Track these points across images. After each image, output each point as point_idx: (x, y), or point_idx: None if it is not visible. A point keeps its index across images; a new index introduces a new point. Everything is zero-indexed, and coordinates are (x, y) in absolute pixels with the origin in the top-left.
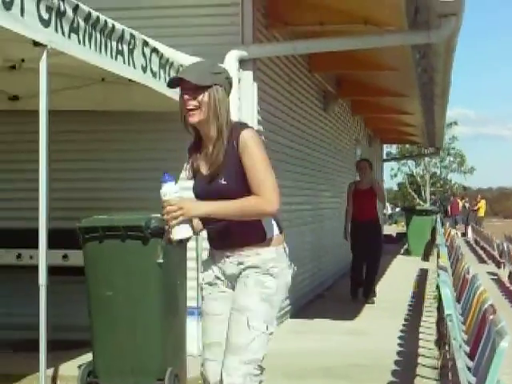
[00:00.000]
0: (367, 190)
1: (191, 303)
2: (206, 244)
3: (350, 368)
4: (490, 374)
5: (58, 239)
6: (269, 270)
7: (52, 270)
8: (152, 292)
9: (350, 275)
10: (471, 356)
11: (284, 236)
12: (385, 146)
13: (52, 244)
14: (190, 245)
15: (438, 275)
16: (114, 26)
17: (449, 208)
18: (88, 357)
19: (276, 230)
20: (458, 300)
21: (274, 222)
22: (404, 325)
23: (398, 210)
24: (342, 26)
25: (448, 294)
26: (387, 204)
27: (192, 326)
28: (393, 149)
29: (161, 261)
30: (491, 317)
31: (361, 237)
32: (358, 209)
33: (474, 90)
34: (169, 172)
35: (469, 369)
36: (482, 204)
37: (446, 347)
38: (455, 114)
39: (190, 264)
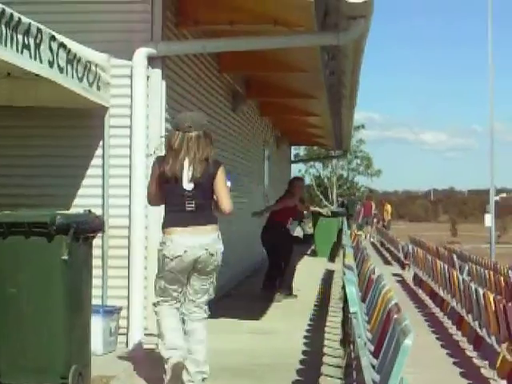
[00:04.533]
0: (295, 207)
1: (96, 301)
2: (112, 242)
3: (256, 367)
4: (394, 372)
5: None
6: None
7: None
8: (57, 289)
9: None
10: (375, 355)
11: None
12: (293, 147)
13: None
14: (96, 242)
15: (344, 274)
16: (20, 20)
17: (362, 210)
18: None
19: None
20: (364, 300)
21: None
22: (310, 324)
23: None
24: (251, 26)
25: (353, 291)
26: None
27: (96, 324)
28: (301, 150)
29: (66, 257)
30: (395, 316)
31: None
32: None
33: (379, 94)
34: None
35: (373, 367)
36: (388, 208)
37: (351, 346)
38: (362, 117)
39: (96, 262)
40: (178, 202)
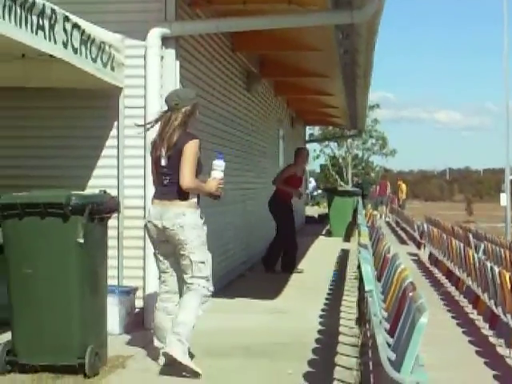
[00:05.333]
0: (301, 178)
1: (112, 282)
2: (127, 223)
3: (270, 346)
4: (410, 350)
5: None
6: None
7: None
8: (72, 270)
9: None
10: (391, 333)
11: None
12: (307, 127)
13: None
14: (111, 223)
15: (359, 252)
16: (34, 1)
17: (377, 188)
18: (7, 336)
19: None
20: (379, 279)
21: None
22: (325, 304)
23: (319, 191)
24: (265, 5)
25: (368, 270)
26: (312, 182)
27: (112, 304)
28: (315, 130)
29: (81, 238)
30: (411, 294)
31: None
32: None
33: (394, 74)
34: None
35: (389, 345)
36: (403, 187)
37: (367, 325)
38: (376, 97)
39: (111, 242)
40: (159, 177)
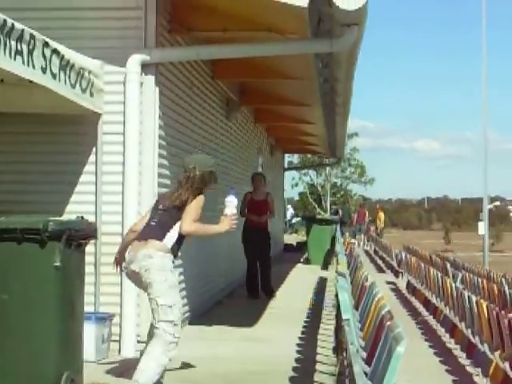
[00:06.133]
0: (261, 201)
1: (89, 308)
2: (104, 249)
3: (248, 374)
4: (387, 379)
5: None
6: None
7: None
8: (49, 296)
9: (246, 276)
10: (368, 362)
11: None
12: (286, 155)
13: None
14: (89, 249)
15: (337, 281)
16: (13, 25)
17: (355, 216)
18: None
19: None
20: (357, 307)
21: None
22: (303, 332)
23: (298, 219)
24: (245, 33)
25: (346, 298)
26: (290, 209)
27: (89, 330)
28: (294, 158)
29: (58, 264)
30: (388, 323)
31: (254, 242)
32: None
33: (373, 103)
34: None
35: (366, 374)
36: (381, 215)
37: (344, 353)
38: (355, 125)
39: (88, 269)
40: (149, 220)
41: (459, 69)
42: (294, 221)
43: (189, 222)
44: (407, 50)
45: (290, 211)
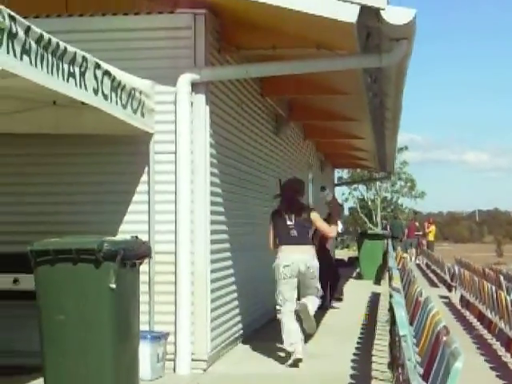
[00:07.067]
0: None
1: (144, 327)
2: (158, 268)
3: None
4: None
5: (6, 263)
6: None
7: (2, 295)
8: (105, 316)
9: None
10: (425, 378)
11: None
12: (336, 170)
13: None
14: (143, 268)
15: (391, 296)
16: (66, 48)
17: (406, 231)
18: (40, 382)
19: None
20: (411, 323)
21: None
22: (357, 348)
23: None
24: (294, 50)
25: (402, 314)
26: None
27: (144, 349)
28: (344, 173)
29: (113, 284)
30: (445, 338)
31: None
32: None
33: (421, 116)
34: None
35: None
36: (432, 229)
37: (400, 369)
38: (404, 138)
39: (143, 288)
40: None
41: (506, 77)
42: (344, 236)
43: (326, 229)
44: (454, 59)
45: (340, 226)
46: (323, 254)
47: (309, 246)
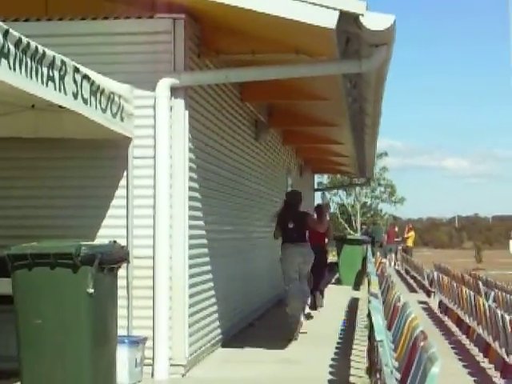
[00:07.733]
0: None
1: (122, 332)
2: (136, 272)
3: None
4: None
5: None
6: None
7: None
8: (82, 320)
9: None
10: (402, 383)
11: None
12: (316, 175)
13: None
14: (121, 273)
15: (369, 302)
16: (44, 52)
17: (385, 236)
18: None
19: None
20: (389, 328)
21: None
22: (335, 353)
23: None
24: (273, 55)
25: (379, 319)
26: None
27: (122, 354)
28: (324, 179)
29: (91, 288)
30: (422, 343)
31: None
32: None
33: (401, 122)
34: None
35: None
36: (411, 235)
37: (377, 374)
38: (384, 144)
39: (121, 292)
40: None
41: (486, 84)
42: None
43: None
44: (435, 66)
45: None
46: (321, 254)
47: (305, 243)
